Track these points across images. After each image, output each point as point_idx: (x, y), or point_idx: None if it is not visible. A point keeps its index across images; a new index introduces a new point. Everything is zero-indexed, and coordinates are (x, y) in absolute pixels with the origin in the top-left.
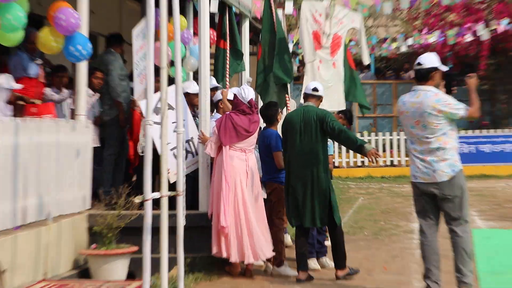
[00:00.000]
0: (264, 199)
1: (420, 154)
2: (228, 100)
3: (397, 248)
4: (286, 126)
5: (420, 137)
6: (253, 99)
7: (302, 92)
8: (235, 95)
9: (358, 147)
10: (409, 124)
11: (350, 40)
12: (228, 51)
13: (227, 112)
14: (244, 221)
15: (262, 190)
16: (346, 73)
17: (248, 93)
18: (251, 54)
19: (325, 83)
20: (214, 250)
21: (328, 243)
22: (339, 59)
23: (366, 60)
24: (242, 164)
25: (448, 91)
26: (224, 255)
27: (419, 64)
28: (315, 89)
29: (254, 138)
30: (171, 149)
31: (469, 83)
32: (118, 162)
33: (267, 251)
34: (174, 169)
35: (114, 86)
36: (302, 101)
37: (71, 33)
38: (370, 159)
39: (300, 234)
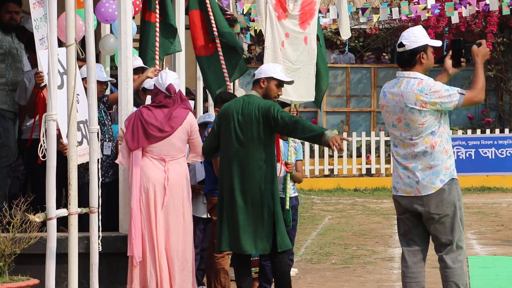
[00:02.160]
0: (204, 218)
1: (403, 159)
2: (147, 91)
3: (372, 280)
4: (220, 121)
5: (403, 138)
6: (174, 85)
7: None
8: (154, 84)
9: (317, 136)
10: (391, 122)
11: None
12: (157, 26)
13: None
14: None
15: (203, 208)
16: (322, 52)
17: (166, 77)
18: (188, 28)
19: (290, 65)
20: (128, 286)
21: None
22: (312, 33)
23: (347, 34)
24: (158, 176)
25: (457, 63)
26: None
27: (401, 45)
28: (255, 74)
29: (178, 140)
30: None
31: (476, 52)
32: (11, 169)
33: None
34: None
35: None
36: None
37: None
38: (334, 148)
39: (239, 263)
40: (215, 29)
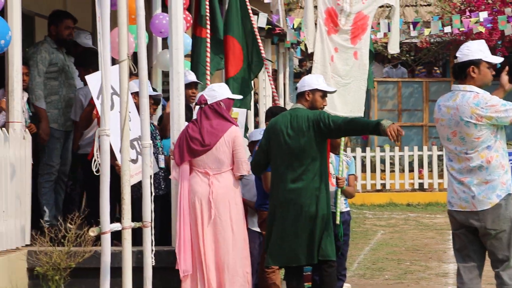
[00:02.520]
0: (260, 232)
1: (459, 174)
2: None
3: None
4: (269, 135)
5: (458, 152)
6: (205, 95)
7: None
8: None
9: (375, 128)
10: (445, 136)
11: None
12: (208, 42)
13: None
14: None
15: (253, 221)
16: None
17: (205, 90)
18: None
19: (340, 79)
20: None
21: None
22: (364, 47)
23: (394, 49)
24: (203, 190)
25: None
26: None
27: (455, 57)
28: (298, 87)
29: (221, 153)
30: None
31: None
32: (59, 182)
33: None
34: (133, 168)
35: (31, 87)
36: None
37: None
38: (392, 137)
39: (292, 277)
40: (262, 51)
